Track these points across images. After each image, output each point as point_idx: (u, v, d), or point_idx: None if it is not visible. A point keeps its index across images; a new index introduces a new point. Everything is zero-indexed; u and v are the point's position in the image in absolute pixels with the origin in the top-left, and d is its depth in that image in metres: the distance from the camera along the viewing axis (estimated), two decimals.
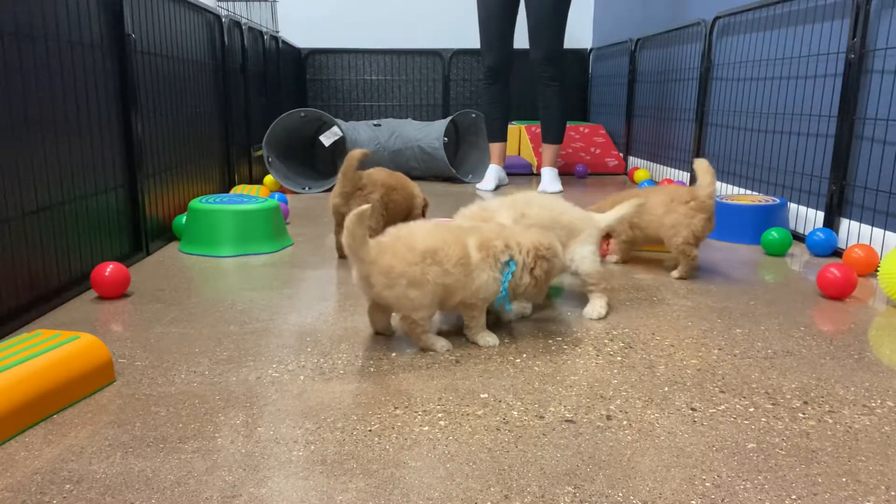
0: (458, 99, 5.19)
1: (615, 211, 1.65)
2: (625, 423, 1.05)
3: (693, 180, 3.30)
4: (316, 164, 3.91)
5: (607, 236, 2.03)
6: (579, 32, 5.19)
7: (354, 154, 1.96)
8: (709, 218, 1.82)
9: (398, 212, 2.11)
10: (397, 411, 1.08)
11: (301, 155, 3.75)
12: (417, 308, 1.28)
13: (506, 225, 1.47)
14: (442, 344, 1.34)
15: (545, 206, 1.57)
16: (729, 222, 2.35)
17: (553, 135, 3.54)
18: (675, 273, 1.89)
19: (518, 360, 1.29)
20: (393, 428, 1.03)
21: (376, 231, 2.01)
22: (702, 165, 1.82)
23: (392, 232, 1.33)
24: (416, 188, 2.22)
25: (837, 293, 1.68)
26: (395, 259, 1.26)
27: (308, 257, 2.09)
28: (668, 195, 1.87)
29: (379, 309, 1.38)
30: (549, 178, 3.55)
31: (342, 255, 2.09)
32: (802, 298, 1.69)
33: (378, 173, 2.07)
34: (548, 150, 3.57)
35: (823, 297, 1.70)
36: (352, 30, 5.18)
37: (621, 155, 4.32)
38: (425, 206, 2.29)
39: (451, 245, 1.29)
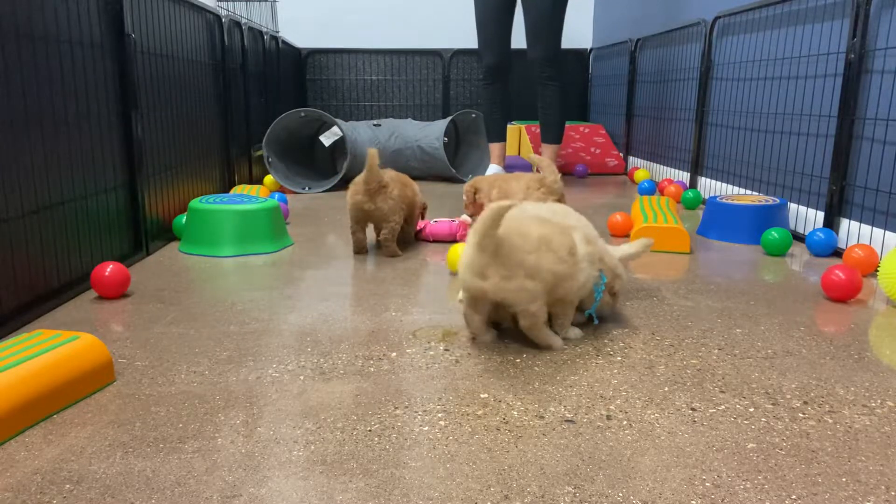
0: (458, 99, 5.19)
1: (627, 247, 1.65)
2: (625, 423, 1.05)
3: (691, 181, 3.32)
4: (316, 164, 3.91)
5: None
6: (579, 32, 5.19)
7: (375, 152, 2.00)
8: (558, 200, 2.04)
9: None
10: (397, 411, 1.08)
11: (301, 155, 3.75)
12: (533, 299, 1.27)
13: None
14: (558, 341, 1.34)
15: (581, 219, 1.59)
16: (729, 222, 2.35)
17: (552, 135, 3.53)
18: None
19: (518, 360, 1.29)
20: (393, 428, 1.03)
21: (398, 224, 2.04)
22: (535, 158, 2.15)
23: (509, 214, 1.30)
24: (418, 189, 2.24)
25: (843, 296, 1.66)
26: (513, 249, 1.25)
27: (308, 257, 2.09)
28: (524, 183, 2.09)
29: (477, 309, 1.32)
30: None
31: (359, 252, 2.10)
32: (802, 299, 1.69)
33: (390, 172, 2.11)
34: (547, 150, 3.57)
35: (824, 298, 1.69)
36: (352, 30, 5.18)
37: (621, 155, 4.32)
38: (424, 209, 2.30)
39: (559, 235, 1.30)
